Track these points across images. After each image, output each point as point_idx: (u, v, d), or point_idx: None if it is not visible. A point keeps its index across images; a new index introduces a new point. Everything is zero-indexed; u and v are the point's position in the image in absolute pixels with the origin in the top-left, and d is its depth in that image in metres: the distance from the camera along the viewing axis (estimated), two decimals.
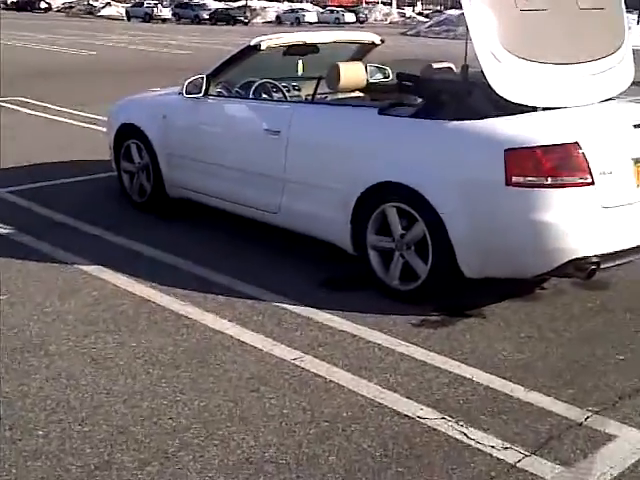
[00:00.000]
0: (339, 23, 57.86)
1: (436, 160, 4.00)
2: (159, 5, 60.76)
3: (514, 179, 3.70)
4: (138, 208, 5.93)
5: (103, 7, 66.53)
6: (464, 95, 4.10)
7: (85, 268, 4.62)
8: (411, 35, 44.25)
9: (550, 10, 4.09)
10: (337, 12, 63.72)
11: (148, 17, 56.40)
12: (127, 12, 60.60)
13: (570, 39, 4.19)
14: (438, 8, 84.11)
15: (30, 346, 3.60)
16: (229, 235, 5.34)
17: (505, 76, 3.87)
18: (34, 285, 4.34)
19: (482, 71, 3.82)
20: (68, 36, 31.06)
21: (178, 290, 4.30)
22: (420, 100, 4.41)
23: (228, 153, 5.22)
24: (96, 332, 3.76)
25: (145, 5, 60.28)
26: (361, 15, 64.76)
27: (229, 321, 3.92)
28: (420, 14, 72.58)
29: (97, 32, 35.67)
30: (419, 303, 4.10)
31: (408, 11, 73.99)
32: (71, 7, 68.96)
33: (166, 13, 58.45)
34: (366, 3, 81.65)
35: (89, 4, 68.25)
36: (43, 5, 65.70)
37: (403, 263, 4.18)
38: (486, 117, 3.93)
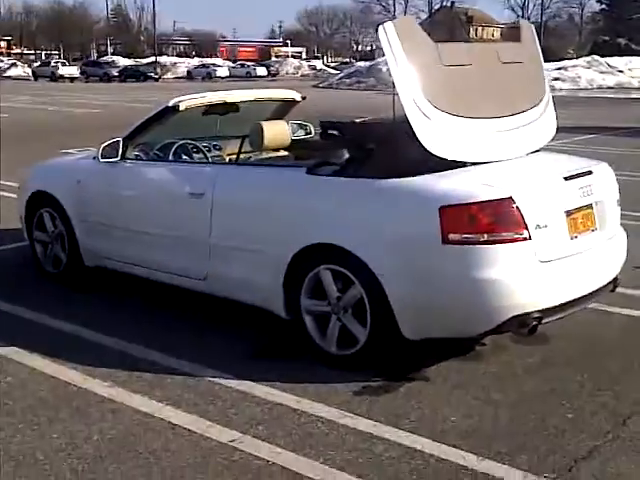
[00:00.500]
0: (251, 77, 58.44)
1: (369, 220, 3.88)
2: (64, 63, 60.09)
3: (450, 236, 3.61)
4: (53, 280, 5.59)
5: (8, 68, 65.23)
6: (394, 151, 4.01)
7: None
8: (323, 87, 44.94)
9: (473, 65, 4.08)
10: (248, 66, 64.41)
11: (55, 76, 55.47)
12: (34, 72, 59.49)
13: (494, 93, 4.19)
14: (347, 60, 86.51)
15: None
16: (153, 305, 5.07)
17: (434, 132, 3.81)
18: None
19: (411, 128, 3.75)
20: None
21: (102, 370, 4.00)
22: (347, 157, 4.29)
23: (150, 218, 4.98)
24: (13, 424, 3.43)
25: (52, 64, 59.41)
26: (272, 69, 65.60)
27: (159, 402, 3.64)
28: (329, 66, 74.28)
29: (4, 93, 34.71)
30: (360, 369, 3.93)
31: (318, 64, 75.56)
32: None
33: (74, 71, 57.64)
34: (276, 57, 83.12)
35: None
36: None
37: (340, 327, 4.01)
38: (417, 174, 3.85)
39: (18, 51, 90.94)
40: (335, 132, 4.42)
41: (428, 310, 3.75)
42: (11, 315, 4.88)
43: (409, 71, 3.79)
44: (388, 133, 4.23)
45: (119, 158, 5.10)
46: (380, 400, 3.63)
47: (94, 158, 5.32)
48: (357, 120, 4.96)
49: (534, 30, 4.64)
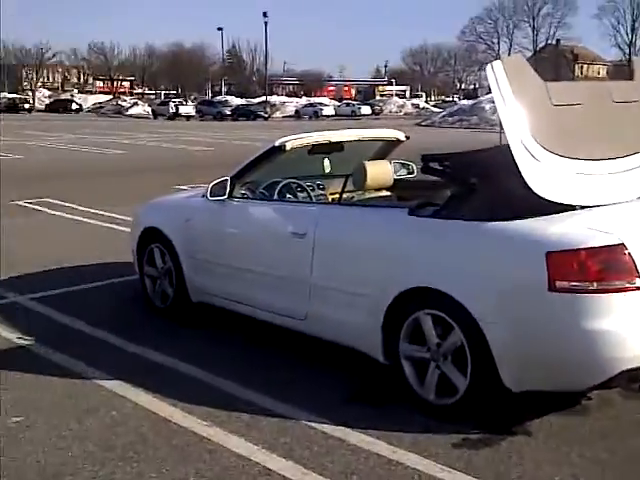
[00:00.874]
0: (355, 115, 59.08)
1: (472, 264, 3.78)
2: (181, 102, 62.63)
3: (558, 284, 3.45)
4: (160, 314, 5.74)
5: (131, 107, 68.79)
6: (498, 191, 3.89)
7: (104, 384, 4.39)
8: (425, 125, 44.84)
9: (584, 104, 3.94)
10: (353, 105, 65.20)
11: (173, 115, 57.91)
12: (153, 111, 62.44)
13: (606, 133, 4.03)
14: (449, 98, 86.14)
15: (45, 478, 3.34)
16: (254, 343, 5.11)
17: (542, 174, 3.68)
18: (50, 404, 4.11)
19: (518, 170, 3.64)
20: (97, 136, 31.82)
21: (201, 408, 4.04)
22: (449, 196, 4.19)
23: (253, 257, 5.05)
24: (113, 460, 3.50)
25: (170, 103, 62.08)
26: (376, 107, 66.09)
27: (255, 445, 3.63)
28: (433, 105, 74.21)
29: (125, 131, 36.53)
30: (459, 419, 3.80)
31: (421, 102, 75.73)
32: (101, 107, 71.34)
33: (190, 110, 60.04)
34: (380, 95, 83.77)
35: (118, 104, 70.61)
36: (74, 106, 68.00)
37: (439, 375, 3.90)
38: (522, 217, 3.72)
39: (139, 91, 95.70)
40: (437, 165, 4.29)
41: (532, 361, 3.59)
42: (118, 348, 5.03)
43: (517, 111, 3.69)
44: (492, 164, 4.07)
45: (226, 197, 5.22)
46: (480, 454, 3.49)
47: (203, 196, 5.47)
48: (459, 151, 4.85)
49: None
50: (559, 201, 3.72)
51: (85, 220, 10.03)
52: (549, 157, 3.73)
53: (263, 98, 68.01)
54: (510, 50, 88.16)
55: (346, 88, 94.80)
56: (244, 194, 5.33)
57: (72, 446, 3.64)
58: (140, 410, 4.04)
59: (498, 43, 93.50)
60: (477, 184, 3.94)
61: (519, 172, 3.67)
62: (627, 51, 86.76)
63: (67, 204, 11.24)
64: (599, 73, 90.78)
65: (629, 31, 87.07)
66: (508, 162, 3.68)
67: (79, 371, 4.58)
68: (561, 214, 3.75)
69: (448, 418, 3.82)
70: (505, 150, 3.73)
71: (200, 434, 3.75)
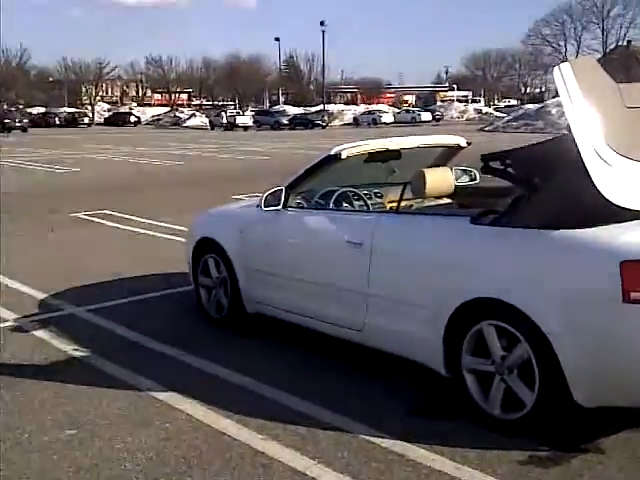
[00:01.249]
0: (415, 122, 58.67)
1: (540, 274, 3.59)
2: (238, 113, 63.26)
3: (633, 295, 3.25)
4: (215, 325, 5.68)
5: (188, 118, 69.85)
6: (566, 197, 3.69)
7: (158, 395, 4.33)
8: (489, 131, 44.26)
9: None
10: (413, 112, 64.78)
11: (230, 125, 58.49)
12: (210, 122, 63.20)
13: None
14: (513, 103, 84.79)
15: None
16: (310, 354, 4.99)
17: (615, 180, 3.47)
18: (104, 416, 4.06)
19: (588, 175, 3.44)
20: (156, 147, 32.28)
21: (256, 420, 3.94)
22: (513, 202, 3.98)
23: (308, 267, 4.94)
24: (167, 474, 3.42)
25: (228, 114, 62.76)
26: (437, 113, 65.53)
27: (311, 458, 3.52)
28: (496, 109, 73.15)
29: (183, 142, 37.03)
30: (526, 435, 3.61)
31: (483, 107, 74.73)
32: (159, 120, 72.59)
33: (247, 120, 60.56)
34: (441, 101, 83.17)
35: (175, 116, 71.76)
36: (133, 119, 69.34)
37: (505, 389, 3.72)
38: (593, 224, 3.52)
39: (197, 102, 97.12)
40: (497, 164, 4.06)
41: (605, 375, 3.39)
42: (174, 359, 4.97)
43: (587, 113, 3.49)
44: (558, 157, 3.82)
45: (281, 206, 5.13)
46: (549, 473, 3.30)
47: (257, 206, 5.40)
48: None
49: None
50: (632, 208, 3.51)
51: (144, 232, 10.09)
52: (622, 162, 3.52)
53: (321, 107, 68.18)
54: (578, 52, 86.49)
55: (407, 97, 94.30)
56: (299, 204, 5.24)
57: (125, 459, 3.58)
58: (194, 422, 3.97)
59: (565, 46, 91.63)
60: (541, 183, 3.73)
61: (588, 174, 3.47)
62: None
63: (126, 216, 11.34)
64: None
65: None
66: (574, 155, 3.46)
67: (134, 383, 4.53)
68: (635, 222, 3.54)
69: (514, 434, 3.64)
70: (570, 140, 3.50)
71: (255, 447, 3.65)
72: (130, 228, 10.40)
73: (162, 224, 10.48)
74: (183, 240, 7.18)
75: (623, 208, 3.49)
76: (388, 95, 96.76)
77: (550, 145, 4.04)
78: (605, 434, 3.62)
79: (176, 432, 3.86)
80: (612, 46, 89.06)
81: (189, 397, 4.27)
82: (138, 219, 11.05)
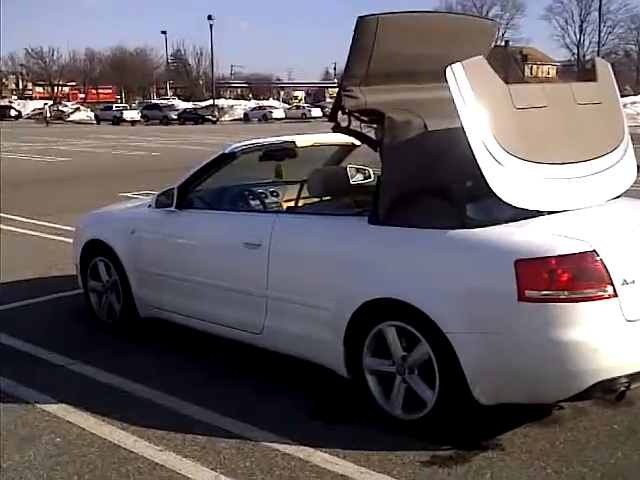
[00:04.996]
0: (306, 118, 58.84)
1: (438, 274, 3.61)
2: (125, 107, 61.63)
3: (527, 293, 3.31)
4: (107, 331, 5.45)
5: (72, 112, 67.21)
6: (464, 200, 3.72)
7: (48, 408, 4.10)
8: None
9: (548, 107, 3.81)
10: (303, 108, 65.01)
11: (117, 120, 56.87)
12: (96, 116, 61.21)
13: (571, 136, 3.91)
14: None
15: None
16: (208, 360, 4.86)
17: (508, 180, 3.53)
18: None
19: (482, 176, 3.48)
20: (39, 143, 30.93)
21: (153, 431, 3.79)
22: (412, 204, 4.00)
23: (204, 269, 4.80)
24: None
25: (114, 108, 60.99)
26: (327, 109, 66.00)
27: (212, 469, 3.40)
28: None
29: (68, 137, 35.68)
30: (428, 435, 3.63)
31: None
32: (41, 113, 69.57)
33: (135, 115, 59.04)
34: (330, 97, 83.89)
35: (59, 110, 68.94)
36: (13, 113, 66.23)
37: (406, 389, 3.73)
38: (490, 224, 3.57)
39: (82, 96, 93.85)
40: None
41: (503, 373, 3.44)
42: (64, 369, 4.73)
43: (479, 115, 3.53)
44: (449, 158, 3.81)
45: (174, 206, 4.97)
46: (452, 473, 3.32)
47: (149, 206, 5.22)
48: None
49: (611, 68, 4.35)
50: (525, 207, 3.58)
51: (26, 232, 9.60)
52: (513, 161, 3.58)
53: (210, 102, 67.28)
54: None
55: (297, 93, 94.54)
56: (192, 204, 5.08)
57: (13, 479, 3.35)
58: (87, 436, 3.77)
59: None
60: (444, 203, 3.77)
61: (482, 174, 3.51)
62: (575, 51, 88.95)
63: (6, 215, 10.77)
64: (549, 73, 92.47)
65: (577, 31, 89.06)
66: (468, 155, 3.49)
67: (19, 395, 4.27)
68: (528, 220, 3.62)
69: (416, 434, 3.65)
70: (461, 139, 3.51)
71: (153, 460, 3.50)
72: (10, 228, 9.86)
73: (46, 223, 10.02)
74: (69, 241, 6.88)
75: (516, 207, 3.56)
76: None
77: (441, 141, 3.96)
78: (504, 431, 3.68)
79: (68, 447, 3.66)
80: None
81: (81, 409, 4.06)
82: (19, 218, 10.50)
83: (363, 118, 4.03)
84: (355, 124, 4.10)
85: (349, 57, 3.87)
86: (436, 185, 3.73)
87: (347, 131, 4.12)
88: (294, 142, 5.30)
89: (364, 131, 4.12)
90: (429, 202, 3.81)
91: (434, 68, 4.09)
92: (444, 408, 3.59)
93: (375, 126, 3.95)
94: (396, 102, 4.00)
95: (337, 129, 4.13)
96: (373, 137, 4.03)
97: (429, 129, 3.87)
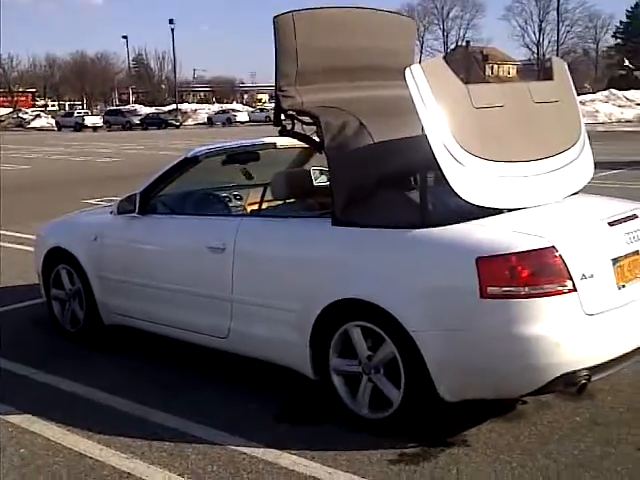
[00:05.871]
0: (270, 121, 58.51)
1: (401, 273, 3.64)
2: (87, 113, 60.96)
3: (489, 290, 3.35)
4: (71, 339, 5.39)
5: (33, 119, 66.32)
6: (425, 200, 3.76)
7: (11, 419, 4.04)
8: None
9: (505, 106, 3.86)
10: (268, 110, 64.88)
11: (79, 126, 56.28)
12: (57, 122, 60.57)
13: (529, 134, 3.97)
14: None
15: None
16: (174, 366, 4.83)
17: (467, 178, 3.57)
18: None
19: (442, 175, 3.51)
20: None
21: (119, 439, 3.75)
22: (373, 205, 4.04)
23: (168, 274, 4.77)
24: None
25: (75, 114, 60.34)
26: None
27: (180, 475, 3.39)
28: None
29: (29, 145, 35.20)
30: (394, 434, 3.65)
31: None
32: (1, 121, 68.55)
33: (97, 120, 58.48)
34: None
35: (18, 117, 67.99)
36: None
37: (372, 388, 3.75)
38: (451, 223, 3.61)
39: (42, 102, 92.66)
40: None
41: (467, 370, 3.47)
42: (27, 378, 4.67)
43: (439, 115, 3.56)
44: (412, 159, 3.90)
45: (137, 212, 4.94)
46: (418, 470, 3.34)
47: (111, 212, 5.17)
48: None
49: (567, 67, 4.42)
50: (485, 205, 3.62)
51: None
52: (473, 160, 3.62)
53: (174, 106, 66.87)
54: (422, 52, 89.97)
55: (260, 96, 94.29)
56: (155, 209, 5.04)
57: None
58: (52, 446, 3.72)
59: None
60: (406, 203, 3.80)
61: (442, 173, 3.55)
62: (535, 50, 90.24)
63: None
64: (509, 73, 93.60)
65: (536, 31, 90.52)
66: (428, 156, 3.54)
67: None
68: (488, 218, 3.66)
69: (383, 433, 3.67)
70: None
71: (119, 468, 3.47)
72: None
73: (7, 232, 9.87)
74: (31, 249, 6.79)
75: (477, 206, 3.60)
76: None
77: (403, 144, 4.04)
78: (469, 427, 3.72)
79: (33, 458, 3.61)
80: (452, 46, 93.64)
81: (45, 419, 4.01)
82: None
83: (303, 119, 4.09)
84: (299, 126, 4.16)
85: (276, 58, 3.97)
86: (391, 185, 3.77)
87: (292, 134, 4.18)
88: (256, 145, 5.30)
89: (308, 133, 4.16)
90: (387, 202, 3.84)
91: (363, 62, 4.21)
92: (410, 406, 3.62)
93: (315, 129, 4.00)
94: (332, 101, 4.11)
95: (283, 133, 4.20)
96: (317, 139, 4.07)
97: (368, 128, 3.91)
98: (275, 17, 3.91)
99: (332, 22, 4.26)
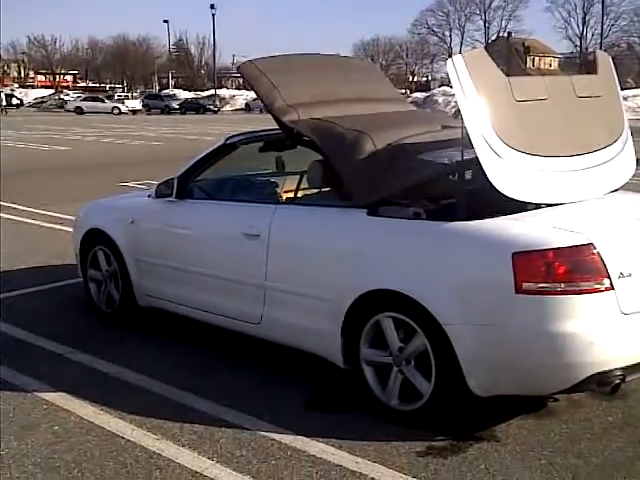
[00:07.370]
0: None
1: (436, 265, 3.62)
2: (127, 97, 61.39)
3: (524, 285, 3.31)
4: (106, 320, 5.47)
5: (74, 100, 67.03)
6: (463, 193, 3.73)
7: (46, 396, 4.12)
8: None
9: (548, 100, 3.81)
10: None
11: (119, 109, 56.77)
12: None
13: (570, 129, 3.91)
14: (403, 91, 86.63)
15: None
16: (206, 350, 4.88)
17: (507, 172, 3.53)
18: None
19: (482, 168, 3.48)
20: (40, 132, 30.89)
21: (151, 420, 3.81)
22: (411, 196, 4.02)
23: (203, 259, 4.81)
24: None
25: (116, 97, 60.87)
26: None
27: (209, 459, 3.42)
28: None
29: (70, 126, 35.66)
30: (423, 426, 3.65)
31: None
32: (43, 102, 69.44)
33: (136, 104, 58.94)
34: None
35: (60, 98, 68.82)
36: (15, 101, 66.07)
37: (403, 380, 3.74)
38: (489, 217, 3.58)
39: (83, 84, 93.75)
40: None
41: (499, 365, 3.45)
42: (62, 357, 4.75)
43: (479, 106, 3.53)
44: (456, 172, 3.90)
45: (174, 196, 4.98)
46: (446, 463, 3.34)
47: (149, 196, 5.22)
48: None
49: (611, 61, 4.34)
50: (524, 199, 3.58)
51: (27, 220, 9.62)
52: (512, 154, 3.58)
53: (212, 92, 67.16)
54: (462, 43, 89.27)
55: None
56: (192, 194, 5.08)
57: (10, 467, 3.37)
58: (85, 424, 3.79)
59: (450, 36, 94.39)
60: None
61: (481, 167, 3.51)
62: (578, 43, 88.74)
63: (7, 204, 10.78)
64: (551, 65, 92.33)
65: (580, 23, 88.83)
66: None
67: (18, 383, 4.29)
68: (527, 213, 3.62)
69: (412, 425, 3.67)
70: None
71: (150, 449, 3.52)
72: (11, 217, 9.88)
73: (47, 212, 10.03)
74: (69, 230, 6.89)
75: (515, 200, 3.56)
76: None
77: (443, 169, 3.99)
78: (499, 422, 3.70)
79: (66, 435, 3.67)
80: (494, 37, 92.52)
81: (79, 397, 4.08)
82: (21, 207, 10.52)
83: (305, 138, 4.34)
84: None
85: (260, 97, 4.42)
86: (430, 180, 3.74)
87: (307, 144, 4.39)
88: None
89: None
90: (426, 194, 3.82)
91: (341, 94, 4.77)
92: (440, 399, 3.61)
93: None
94: (326, 118, 4.35)
95: (297, 142, 4.53)
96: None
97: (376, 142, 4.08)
98: (238, 67, 4.47)
99: (299, 63, 4.84)
